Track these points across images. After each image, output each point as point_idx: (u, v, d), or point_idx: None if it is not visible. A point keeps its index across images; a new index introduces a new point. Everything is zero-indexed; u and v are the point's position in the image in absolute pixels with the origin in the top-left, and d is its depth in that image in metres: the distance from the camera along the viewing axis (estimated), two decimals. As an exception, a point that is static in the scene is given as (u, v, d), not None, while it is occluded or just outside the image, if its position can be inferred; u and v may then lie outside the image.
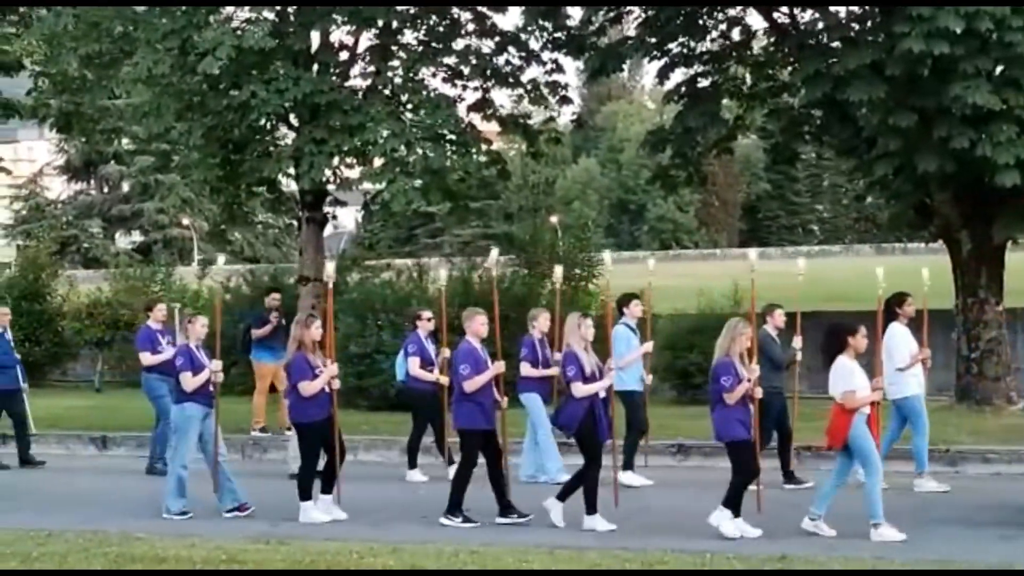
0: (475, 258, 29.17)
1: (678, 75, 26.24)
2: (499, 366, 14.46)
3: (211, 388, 14.95)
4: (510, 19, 25.89)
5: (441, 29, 24.88)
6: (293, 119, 24.38)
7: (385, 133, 23.04)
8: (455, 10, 24.93)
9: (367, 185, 26.12)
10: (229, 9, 24.10)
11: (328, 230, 27.16)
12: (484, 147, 25.29)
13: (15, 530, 13.30)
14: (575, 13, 25.72)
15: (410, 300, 24.03)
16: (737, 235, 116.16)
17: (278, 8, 23.86)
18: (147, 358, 18.31)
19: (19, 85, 32.36)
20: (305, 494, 14.35)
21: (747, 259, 15.90)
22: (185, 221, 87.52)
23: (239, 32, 22.36)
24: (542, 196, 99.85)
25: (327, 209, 26.06)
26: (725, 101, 26.77)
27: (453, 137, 24.28)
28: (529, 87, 25.69)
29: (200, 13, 22.77)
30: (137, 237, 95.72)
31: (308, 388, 14.23)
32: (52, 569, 11.53)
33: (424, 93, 24.16)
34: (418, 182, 23.54)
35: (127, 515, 14.72)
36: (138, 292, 30.93)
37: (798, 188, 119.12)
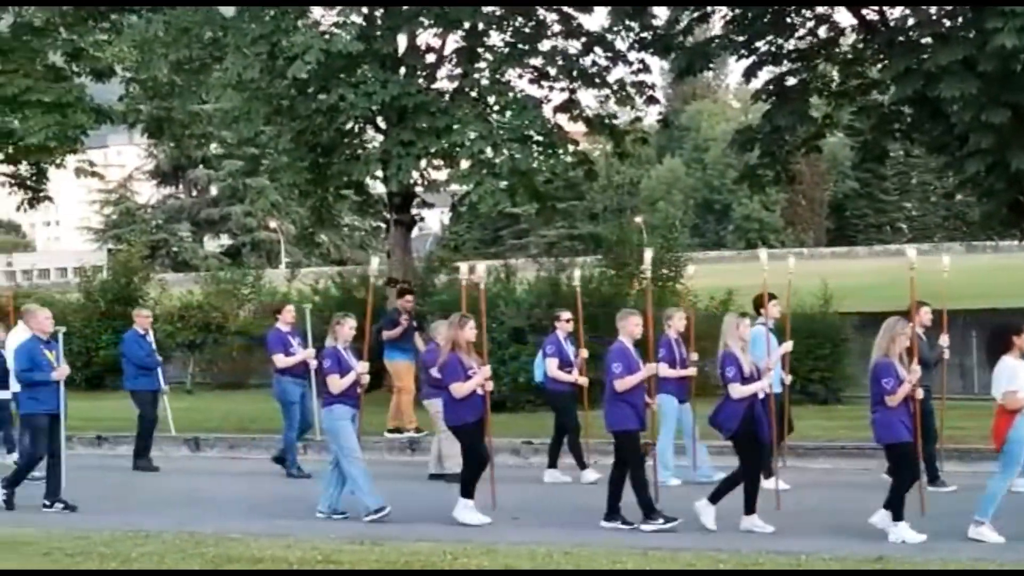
0: (563, 259, 29.13)
1: (765, 73, 26.14)
2: (651, 367, 14.08)
3: (357, 390, 14.76)
4: (596, 19, 25.89)
5: (527, 30, 24.91)
6: (381, 122, 24.52)
7: (472, 135, 23.10)
8: (541, 11, 24.95)
9: (454, 187, 26.24)
10: (317, 14, 24.28)
11: (414, 232, 27.26)
12: (571, 148, 25.28)
13: (114, 531, 13.45)
14: (661, 13, 25.69)
15: (498, 301, 24.04)
16: (824, 234, 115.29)
17: (365, 12, 23.99)
18: (280, 360, 17.95)
19: (110, 91, 32.76)
20: (467, 492, 14.10)
21: (905, 256, 15.33)
22: (272, 224, 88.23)
23: (327, 36, 22.53)
24: (627, 196, 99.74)
25: (414, 211, 26.20)
26: (813, 99, 26.55)
27: (540, 138, 24.29)
28: (615, 87, 25.67)
29: (288, 18, 22.96)
30: (225, 240, 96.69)
31: (460, 389, 14.01)
32: (150, 569, 11.64)
33: (511, 94, 24.19)
34: (504, 183, 23.56)
35: (222, 516, 14.79)
36: (228, 295, 31.22)
37: (886, 186, 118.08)
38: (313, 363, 17.89)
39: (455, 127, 23.06)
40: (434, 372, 16.45)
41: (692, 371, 16.86)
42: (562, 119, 25.79)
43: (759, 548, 12.20)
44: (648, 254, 16.44)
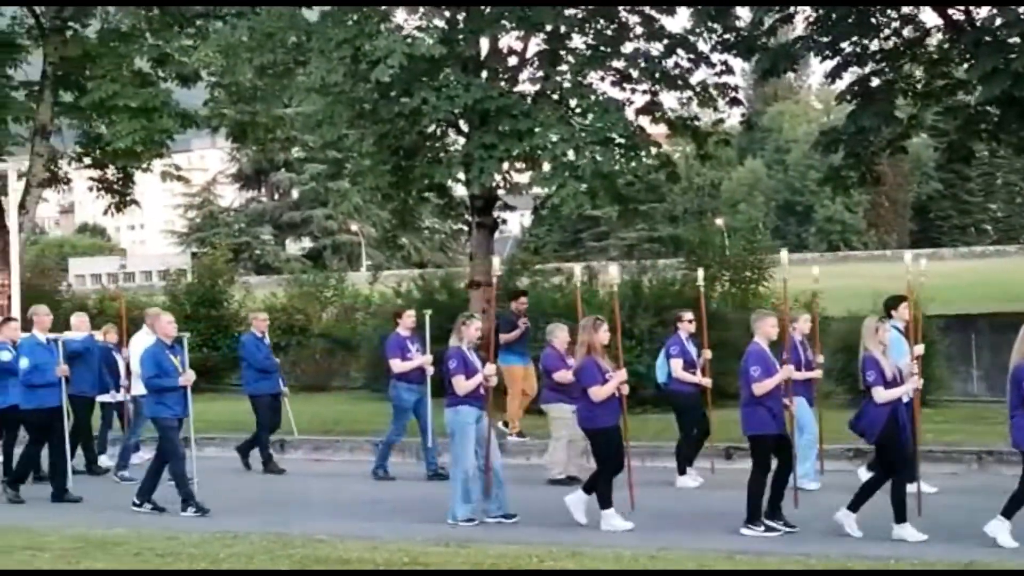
0: (645, 261, 29.06)
1: (850, 74, 25.95)
2: (788, 370, 13.99)
3: (483, 391, 14.58)
4: (679, 21, 25.82)
5: (609, 33, 24.85)
6: (463, 125, 24.56)
7: (554, 137, 23.08)
8: (624, 14, 24.89)
9: (536, 189, 26.25)
10: (400, 18, 24.39)
11: (495, 234, 27.30)
12: (653, 150, 25.21)
13: (204, 532, 13.60)
14: (744, 14, 25.56)
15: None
16: (908, 236, 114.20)
17: (448, 16, 24.07)
18: (397, 364, 17.94)
19: (195, 96, 33.09)
20: (605, 502, 13.99)
21: (996, 256, 15.24)
22: (354, 227, 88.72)
23: (410, 40, 22.59)
24: (708, 198, 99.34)
25: (496, 214, 26.22)
26: (898, 100, 26.33)
27: (622, 140, 24.21)
28: (698, 89, 25.57)
29: (372, 22, 23.08)
30: (307, 243, 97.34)
31: (599, 393, 13.90)
32: (239, 570, 11.75)
33: (593, 97, 24.13)
34: (586, 185, 23.54)
35: (309, 517, 14.92)
36: (311, 298, 31.46)
37: (971, 187, 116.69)
38: (430, 369, 17.87)
39: (537, 130, 23.04)
40: (557, 376, 16.49)
41: (818, 373, 16.76)
42: (644, 121, 25.72)
43: (850, 552, 12.12)
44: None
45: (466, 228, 27.13)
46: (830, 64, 25.64)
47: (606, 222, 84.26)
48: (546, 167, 23.93)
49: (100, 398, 19.25)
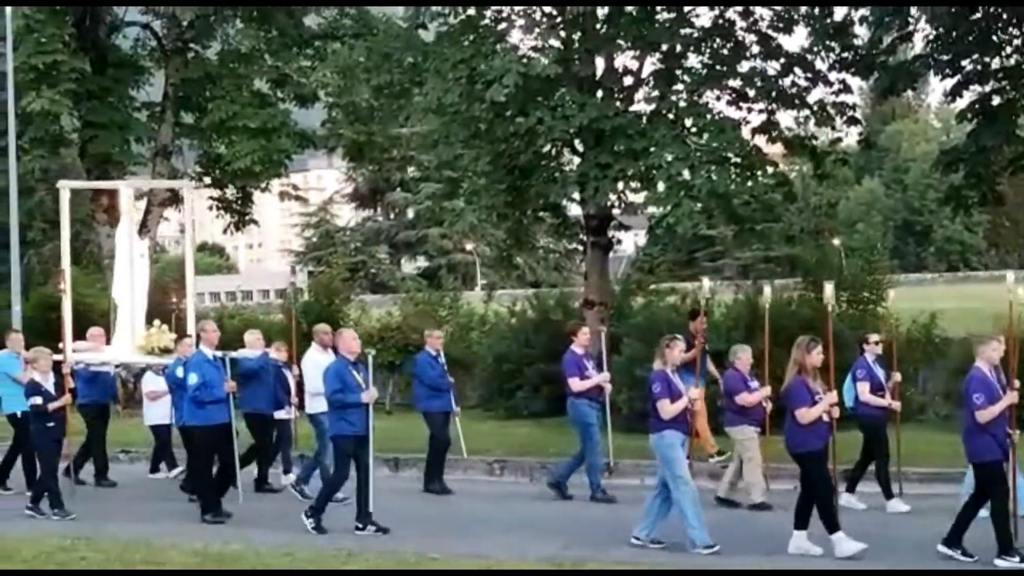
0: (760, 281, 28.78)
1: (971, 92, 25.54)
2: (1012, 396, 13.48)
3: (687, 415, 14.37)
4: (796, 40, 25.57)
5: (725, 52, 24.74)
6: (578, 144, 24.58)
7: (669, 157, 22.98)
8: (740, 32, 24.77)
9: (651, 209, 26.16)
10: (515, 38, 24.47)
11: (609, 254, 27.26)
12: (769, 169, 25.04)
13: (319, 549, 13.69)
14: (862, 32, 25.32)
15: (695, 324, 23.84)
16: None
17: (563, 36, 24.12)
18: (576, 384, 17.57)
19: (312, 116, 33.47)
20: (832, 525, 13.60)
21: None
22: (469, 246, 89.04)
23: (525, 60, 22.68)
24: (825, 218, 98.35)
25: (611, 233, 26.18)
26: (1020, 118, 25.88)
27: (738, 160, 24.09)
28: (815, 108, 25.35)
29: (487, 43, 23.21)
30: (422, 262, 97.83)
31: (807, 415, 13.58)
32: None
33: (708, 116, 24.03)
34: (701, 205, 23.41)
35: (424, 534, 14.93)
36: (426, 316, 31.53)
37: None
38: (608, 387, 17.69)
39: (652, 149, 22.99)
40: (739, 399, 16.30)
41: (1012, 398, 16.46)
42: (760, 140, 25.54)
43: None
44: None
45: (581, 247, 27.12)
46: (950, 82, 25.28)
47: (721, 242, 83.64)
48: (661, 186, 23.85)
49: (276, 414, 18.95)
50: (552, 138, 23.83)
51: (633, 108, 24.82)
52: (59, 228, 39.06)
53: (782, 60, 24.95)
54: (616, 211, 26.03)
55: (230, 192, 33.06)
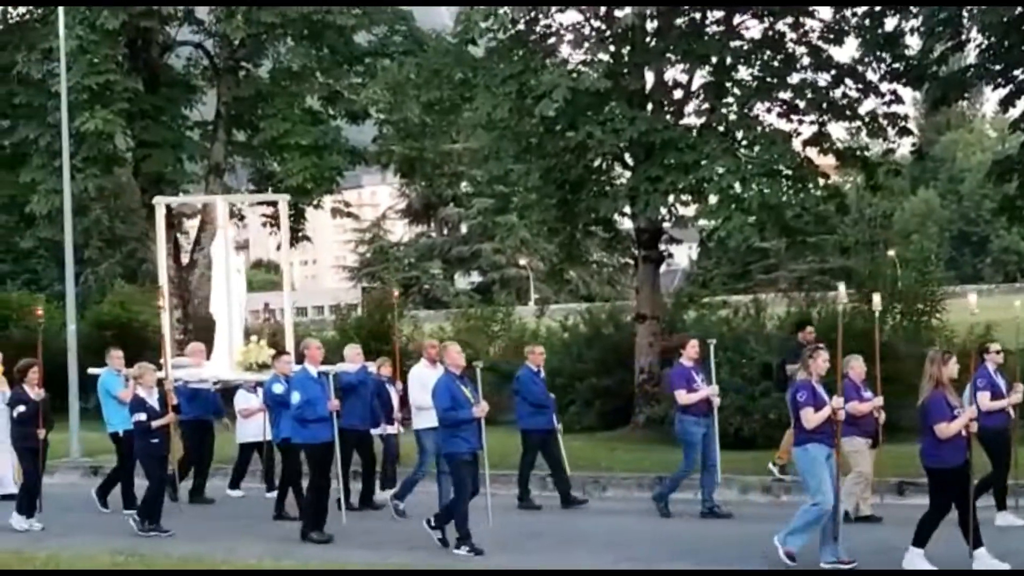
0: (814, 293, 28.62)
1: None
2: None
3: (832, 427, 13.99)
4: (846, 51, 25.45)
5: (776, 64, 24.66)
6: (628, 158, 24.57)
7: (720, 170, 22.93)
8: (791, 45, 24.68)
9: (703, 222, 26.12)
10: (565, 52, 24.50)
11: (662, 268, 27.21)
12: (821, 181, 24.94)
13: (370, 564, 13.70)
14: (913, 43, 25.18)
15: (747, 337, 23.78)
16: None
17: (613, 50, 24.11)
18: (683, 396, 17.08)
19: (364, 133, 33.60)
20: (922, 539, 13.28)
21: None
22: (522, 261, 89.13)
23: (575, 74, 22.71)
24: (879, 229, 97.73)
25: (662, 247, 26.15)
26: (1076, 128, 25.71)
27: (789, 172, 23.99)
28: (867, 119, 25.22)
29: (537, 57, 23.25)
30: (475, 277, 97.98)
31: (946, 430, 13.22)
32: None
33: (759, 128, 23.99)
34: (753, 218, 23.34)
35: (504, 550, 14.88)
36: (479, 332, 31.60)
37: None
38: (716, 400, 17.37)
39: (703, 162, 22.95)
40: (850, 408, 15.20)
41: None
42: (812, 152, 25.44)
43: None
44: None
45: (632, 261, 27.09)
46: (1003, 92, 25.09)
47: (775, 254, 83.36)
48: (712, 199, 23.82)
49: (374, 431, 18.53)
50: (602, 152, 23.85)
51: (683, 121, 24.81)
52: (114, 247, 39.34)
53: (833, 71, 24.85)
54: (667, 224, 26.00)
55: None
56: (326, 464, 16.22)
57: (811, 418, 13.72)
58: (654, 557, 14.24)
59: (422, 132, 30.90)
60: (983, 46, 24.63)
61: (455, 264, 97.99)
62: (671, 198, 24.30)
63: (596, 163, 25.00)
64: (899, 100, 25.59)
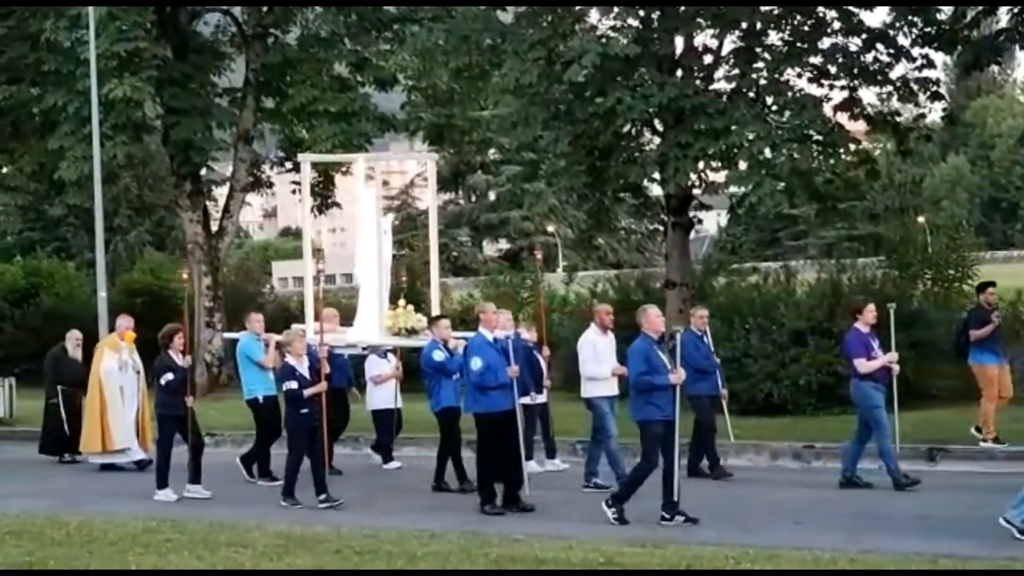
0: (844, 260, 28.47)
1: (1056, 67, 25.15)
2: None
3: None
4: (878, 16, 25.28)
5: (806, 28, 24.52)
6: (658, 124, 24.52)
7: (750, 135, 22.88)
8: (821, 9, 24.52)
9: (732, 188, 26.03)
10: (594, 18, 24.41)
11: (691, 234, 27.15)
12: (852, 147, 24.83)
13: (401, 530, 13.74)
14: (945, 7, 24.95)
15: (777, 304, 23.72)
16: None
17: (642, 15, 23.99)
18: (863, 365, 16.30)
19: (392, 100, 33.55)
20: None
21: None
22: (550, 228, 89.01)
23: (604, 40, 22.62)
24: (909, 195, 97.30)
25: (692, 213, 26.09)
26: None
27: (820, 137, 23.93)
28: (898, 84, 25.07)
29: (566, 23, 23.16)
30: (504, 244, 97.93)
31: None
32: (435, 569, 11.82)
33: (789, 94, 23.90)
34: (783, 184, 23.25)
35: (503, 517, 14.92)
36: (508, 298, 31.52)
37: None
38: (896, 368, 16.58)
39: (733, 128, 22.86)
40: None
41: None
42: (842, 117, 25.31)
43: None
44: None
45: (662, 228, 27.02)
46: (1035, 56, 24.91)
47: (804, 221, 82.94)
48: (742, 165, 23.73)
49: (520, 400, 16.34)
50: (631, 118, 23.76)
51: (713, 87, 24.74)
52: (143, 214, 39.50)
53: (864, 36, 24.69)
54: (697, 191, 25.95)
55: (312, 176, 33.14)
56: (506, 434, 15.48)
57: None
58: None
59: (450, 99, 30.87)
60: (1015, 9, 24.40)
61: (483, 231, 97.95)
62: (701, 164, 24.25)
63: (625, 129, 24.91)
64: (931, 64, 25.44)
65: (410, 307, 18.78)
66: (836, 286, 24.58)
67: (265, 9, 30.26)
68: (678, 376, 14.31)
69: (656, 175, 24.59)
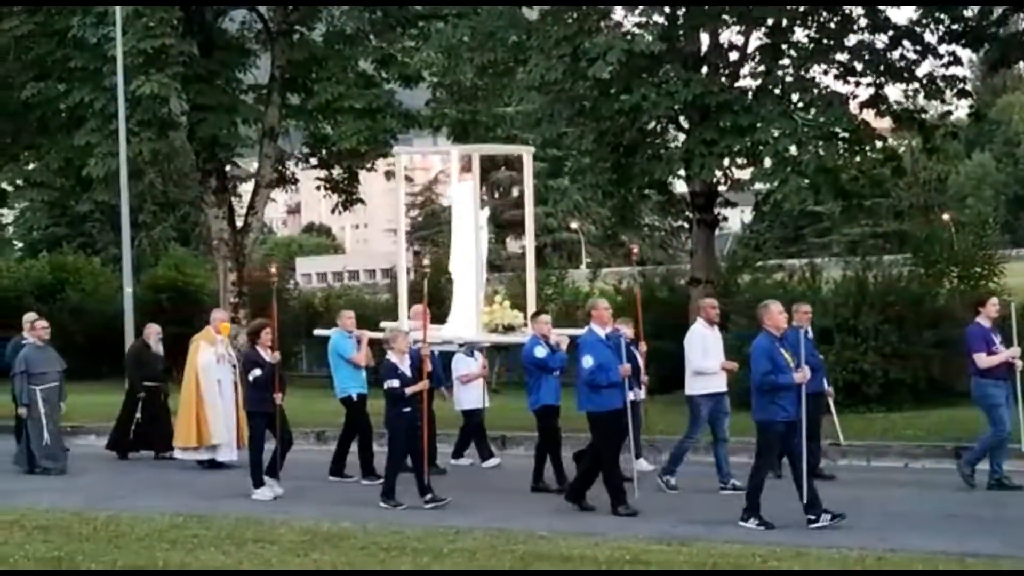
0: (870, 257, 28.36)
1: (1083, 64, 25.05)
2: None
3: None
4: (904, 12, 25.22)
5: (832, 25, 24.45)
6: (683, 121, 24.48)
7: (776, 132, 22.82)
8: (847, 6, 24.44)
9: (758, 185, 25.98)
10: (619, 14, 24.37)
11: (715, 231, 27.11)
12: (877, 144, 24.76)
13: (427, 527, 13.75)
14: (972, 4, 24.85)
15: (803, 301, 23.59)
16: None
17: (668, 12, 23.96)
18: (983, 360, 15.84)
19: (417, 96, 33.57)
20: None
21: None
22: (574, 225, 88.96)
23: (629, 37, 22.59)
24: (934, 193, 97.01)
25: (717, 210, 26.04)
26: None
27: (845, 135, 23.87)
28: (924, 81, 24.99)
29: (591, 19, 23.13)
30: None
31: None
32: (461, 569, 11.81)
33: (815, 91, 23.81)
34: (808, 181, 23.19)
35: (532, 514, 14.89)
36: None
37: None
38: (1019, 363, 16.05)
39: (758, 125, 22.81)
40: None
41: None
42: (868, 115, 25.26)
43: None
44: None
45: (686, 225, 26.99)
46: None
47: (829, 218, 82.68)
48: (768, 162, 23.68)
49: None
50: (657, 115, 23.72)
51: (739, 84, 24.66)
52: (168, 211, 39.55)
53: (890, 33, 24.62)
54: (722, 188, 25.88)
55: (336, 172, 33.24)
56: (617, 433, 15.22)
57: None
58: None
59: (475, 95, 30.83)
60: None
61: (507, 228, 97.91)
62: (726, 161, 24.18)
63: (650, 126, 24.88)
64: (957, 62, 25.36)
65: (507, 303, 18.37)
66: (862, 284, 24.47)
67: (290, 6, 30.29)
68: (803, 375, 13.99)
69: (681, 172, 24.55)
